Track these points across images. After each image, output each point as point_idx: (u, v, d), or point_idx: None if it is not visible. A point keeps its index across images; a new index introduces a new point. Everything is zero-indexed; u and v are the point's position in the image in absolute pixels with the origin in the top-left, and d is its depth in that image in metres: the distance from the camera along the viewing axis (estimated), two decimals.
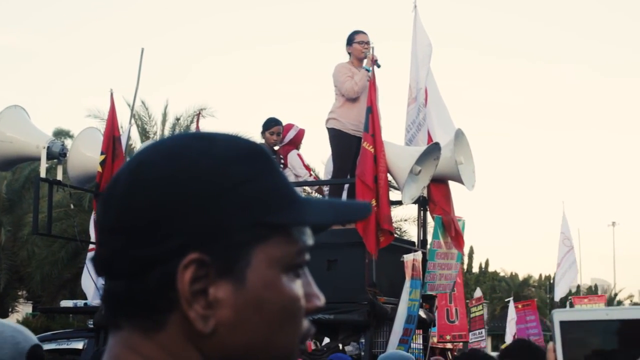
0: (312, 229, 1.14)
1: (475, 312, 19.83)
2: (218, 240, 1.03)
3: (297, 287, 1.10)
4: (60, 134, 26.77)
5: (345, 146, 9.17)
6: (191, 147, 1.07)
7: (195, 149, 1.07)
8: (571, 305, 22.58)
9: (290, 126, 10.10)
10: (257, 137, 10.16)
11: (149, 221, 1.03)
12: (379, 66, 9.14)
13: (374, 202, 8.37)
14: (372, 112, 8.57)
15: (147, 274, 1.02)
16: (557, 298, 19.46)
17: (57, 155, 9.51)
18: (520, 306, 21.45)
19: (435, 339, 16.92)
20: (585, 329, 1.65)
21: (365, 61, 9.21)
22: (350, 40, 9.43)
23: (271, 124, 9.87)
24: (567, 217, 19.12)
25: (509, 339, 19.89)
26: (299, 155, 10.01)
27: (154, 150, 1.08)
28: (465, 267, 51.30)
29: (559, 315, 1.65)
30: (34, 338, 1.84)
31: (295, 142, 10.16)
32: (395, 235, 9.05)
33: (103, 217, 1.07)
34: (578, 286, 60.73)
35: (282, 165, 9.89)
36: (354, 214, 1.16)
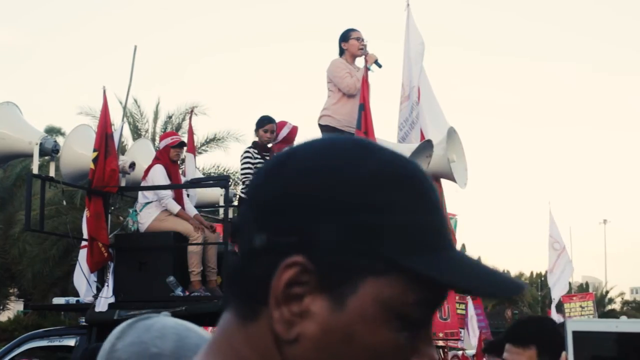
0: (450, 288, 1.00)
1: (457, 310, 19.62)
2: (332, 254, 0.96)
3: (400, 336, 0.98)
4: (52, 131, 26.73)
5: None
6: (347, 151, 1.00)
7: (351, 155, 1.00)
8: (560, 305, 22.49)
9: (283, 124, 10.09)
10: (251, 135, 10.16)
11: (280, 208, 0.98)
12: (380, 66, 9.18)
13: None
14: (364, 109, 8.59)
15: (259, 257, 0.99)
16: (555, 298, 19.30)
17: (50, 152, 9.50)
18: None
19: None
20: (597, 340, 1.67)
21: (367, 59, 9.18)
22: (346, 37, 9.42)
23: (264, 122, 9.86)
24: (556, 218, 18.90)
25: (472, 337, 19.46)
26: None
27: (317, 143, 1.02)
28: None
29: (572, 325, 1.66)
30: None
31: (289, 140, 10.15)
32: None
33: (253, 187, 1.03)
34: (569, 284, 60.97)
35: None
36: (505, 289, 0.99)
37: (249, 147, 9.92)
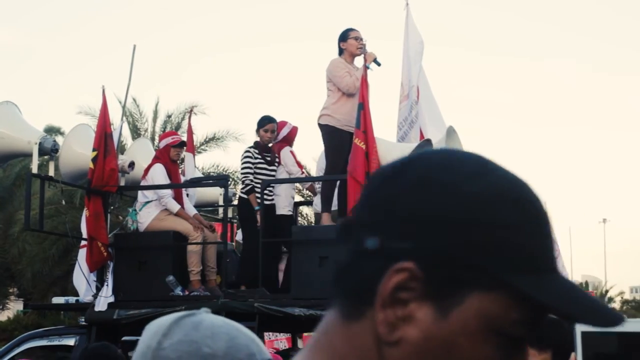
0: (552, 311, 1.02)
1: None
2: (442, 265, 0.98)
3: (498, 353, 1.00)
4: (51, 130, 26.72)
5: (338, 142, 9.16)
6: (466, 166, 1.02)
7: (469, 170, 1.02)
8: None
9: (283, 123, 10.10)
10: (250, 135, 10.17)
11: (395, 214, 1.00)
12: (379, 64, 9.18)
13: None
14: (363, 108, 8.59)
15: (369, 259, 1.01)
16: None
17: (49, 152, 9.50)
18: None
19: None
20: (604, 340, 1.67)
21: (366, 58, 9.17)
22: (345, 36, 9.43)
23: (265, 122, 9.87)
24: (555, 219, 18.91)
25: None
26: (291, 152, 10.01)
27: (437, 155, 1.05)
28: None
29: (581, 326, 1.67)
30: (267, 352, 1.69)
31: (289, 140, 10.16)
32: None
33: (368, 190, 1.06)
34: None
35: (276, 162, 9.91)
36: (605, 319, 1.00)
37: (250, 147, 9.93)
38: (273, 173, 9.82)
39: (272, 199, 9.76)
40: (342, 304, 1.04)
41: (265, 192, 9.61)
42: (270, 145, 9.88)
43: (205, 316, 1.65)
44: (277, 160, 9.90)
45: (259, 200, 9.55)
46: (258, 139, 9.90)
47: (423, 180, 1.01)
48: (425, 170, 1.02)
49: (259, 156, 9.78)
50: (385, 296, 0.99)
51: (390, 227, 1.00)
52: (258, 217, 9.51)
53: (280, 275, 9.73)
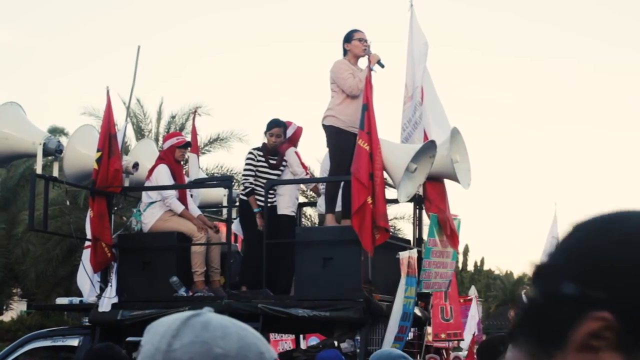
0: None
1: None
2: (638, 318, 1.04)
3: None
4: (56, 131, 26.72)
5: (343, 143, 9.15)
6: None
7: None
8: None
9: (288, 124, 10.10)
10: (253, 136, 10.17)
11: (597, 265, 1.07)
12: (382, 66, 9.19)
13: (369, 200, 8.39)
14: (367, 109, 8.59)
15: (564, 304, 1.07)
16: None
17: (53, 152, 9.50)
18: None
19: (430, 337, 16.94)
20: None
21: (370, 60, 9.16)
22: (349, 38, 9.43)
23: (271, 126, 9.89)
24: (559, 219, 18.66)
25: (468, 336, 19.37)
26: (296, 152, 10.01)
27: (637, 215, 1.13)
28: (460, 265, 51.37)
29: None
30: (274, 351, 1.68)
31: (293, 140, 10.16)
32: (390, 233, 9.06)
33: (571, 237, 1.14)
34: None
35: (283, 166, 9.91)
36: None
37: (254, 149, 9.94)
38: (275, 177, 9.82)
39: (275, 200, 9.76)
40: (529, 344, 1.10)
41: (270, 193, 9.62)
42: (277, 148, 9.88)
43: (211, 316, 1.63)
44: (284, 164, 9.90)
45: (260, 203, 9.56)
46: (266, 140, 9.92)
47: (626, 238, 1.08)
48: (628, 230, 1.10)
49: (262, 159, 9.78)
50: (578, 341, 1.04)
51: (589, 277, 1.07)
52: (257, 219, 9.52)
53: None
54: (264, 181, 9.67)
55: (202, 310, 1.63)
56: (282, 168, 9.89)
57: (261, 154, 9.82)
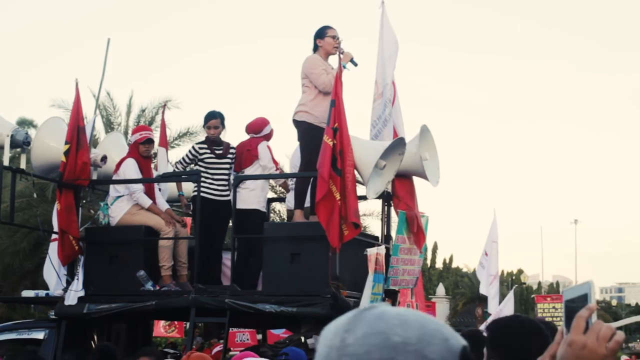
0: None
1: None
2: None
3: None
4: (24, 123, 26.53)
5: (315, 139, 9.13)
6: None
7: None
8: (533, 303, 22.32)
9: (266, 122, 10.11)
10: (227, 131, 10.16)
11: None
12: (355, 64, 9.21)
13: (338, 197, 8.39)
14: (335, 105, 8.59)
15: None
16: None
17: (21, 144, 9.44)
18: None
19: None
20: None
21: (342, 57, 9.16)
22: (322, 34, 9.42)
23: (207, 119, 10.01)
24: (498, 224, 17.70)
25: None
26: (268, 147, 9.98)
27: None
28: (429, 262, 51.51)
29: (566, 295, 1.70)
30: (461, 338, 1.55)
31: (268, 138, 10.16)
32: (361, 228, 9.09)
33: None
34: (539, 283, 61.37)
35: (229, 156, 9.95)
36: None
37: (197, 143, 10.15)
38: (226, 166, 9.88)
39: (226, 193, 9.85)
40: None
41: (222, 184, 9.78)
42: (219, 138, 9.99)
43: (387, 307, 1.53)
44: (231, 151, 9.95)
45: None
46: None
47: None
48: None
49: (208, 150, 9.85)
50: None
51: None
52: (183, 201, 10.06)
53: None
54: (213, 171, 9.75)
55: (376, 304, 1.55)
56: (229, 156, 9.92)
57: (204, 146, 9.88)
